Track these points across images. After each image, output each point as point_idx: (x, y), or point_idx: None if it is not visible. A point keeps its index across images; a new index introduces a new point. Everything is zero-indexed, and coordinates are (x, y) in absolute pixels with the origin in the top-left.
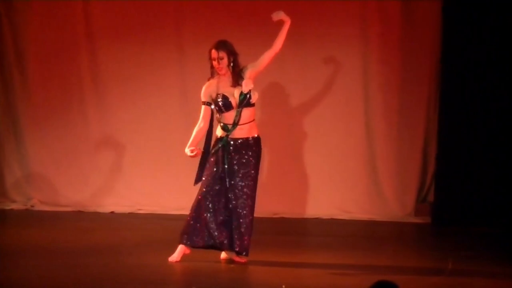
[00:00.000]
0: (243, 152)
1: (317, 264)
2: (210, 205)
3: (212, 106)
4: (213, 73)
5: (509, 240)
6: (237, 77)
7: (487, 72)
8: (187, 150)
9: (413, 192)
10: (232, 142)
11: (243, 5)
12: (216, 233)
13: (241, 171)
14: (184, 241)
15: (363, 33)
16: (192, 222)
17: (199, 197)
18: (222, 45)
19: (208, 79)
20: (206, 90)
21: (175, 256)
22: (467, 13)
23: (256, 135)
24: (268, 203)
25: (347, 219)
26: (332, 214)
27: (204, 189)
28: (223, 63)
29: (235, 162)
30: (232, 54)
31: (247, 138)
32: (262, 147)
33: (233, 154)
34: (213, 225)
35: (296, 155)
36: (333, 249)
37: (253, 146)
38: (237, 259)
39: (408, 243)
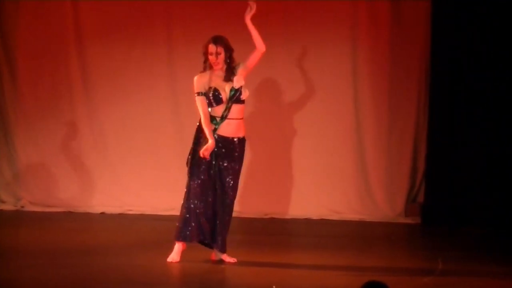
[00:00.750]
0: (229, 152)
1: (307, 264)
2: (200, 202)
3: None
4: (205, 67)
5: (498, 240)
6: (230, 72)
7: (477, 72)
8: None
9: (403, 192)
10: (219, 139)
11: (233, 5)
12: (206, 230)
13: (227, 170)
14: (181, 238)
15: (352, 33)
16: (184, 218)
17: (191, 194)
18: (219, 40)
19: (201, 72)
20: (199, 81)
21: (174, 257)
22: (456, 13)
23: (242, 136)
24: (259, 203)
25: (337, 219)
26: (322, 215)
27: (195, 186)
28: (220, 58)
29: (222, 160)
30: (229, 50)
31: (233, 138)
32: (251, 148)
33: (220, 151)
34: (203, 222)
35: (286, 156)
36: (324, 250)
37: (237, 147)
38: (227, 259)
39: (398, 243)
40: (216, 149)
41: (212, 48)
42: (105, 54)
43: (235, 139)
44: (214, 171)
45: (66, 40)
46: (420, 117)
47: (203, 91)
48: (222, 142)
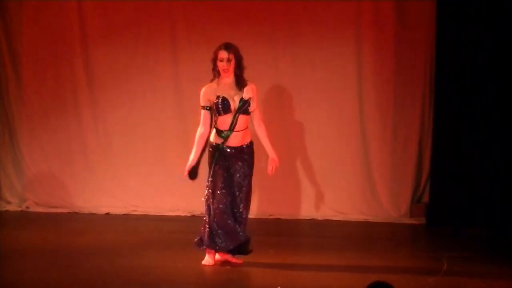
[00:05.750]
0: (239, 159)
1: (312, 265)
2: (229, 211)
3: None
4: (215, 75)
5: (503, 241)
6: (241, 82)
7: (482, 73)
8: (186, 169)
9: (407, 193)
10: (228, 150)
11: (237, 5)
12: (236, 237)
13: (241, 177)
14: (217, 247)
15: (357, 33)
16: (220, 230)
17: (221, 206)
18: (231, 47)
19: (211, 81)
20: (205, 94)
21: (209, 260)
22: (461, 13)
23: (249, 142)
24: (263, 204)
25: (342, 220)
26: (327, 215)
27: (222, 197)
28: (231, 65)
29: (233, 169)
30: (239, 58)
31: (242, 146)
32: (256, 149)
33: (231, 161)
34: (234, 230)
35: (290, 156)
36: (328, 250)
37: (246, 152)
38: (234, 260)
39: (402, 244)
40: (226, 161)
41: (223, 54)
42: (109, 55)
43: (244, 146)
44: (230, 182)
45: (70, 41)
46: (425, 118)
47: (208, 104)
48: (232, 151)
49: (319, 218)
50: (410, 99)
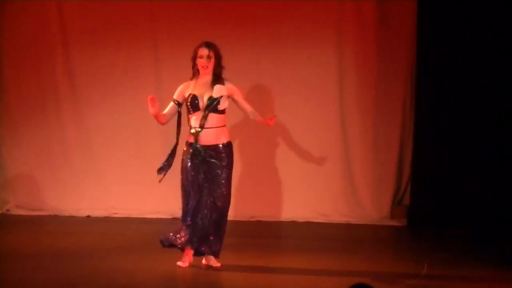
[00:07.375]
0: (214, 159)
1: (293, 267)
2: (195, 211)
3: (179, 109)
4: (194, 73)
5: (484, 242)
6: (219, 80)
7: (463, 74)
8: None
9: (389, 194)
10: (201, 150)
11: (218, 5)
12: (199, 238)
13: (215, 177)
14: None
15: (338, 33)
16: (182, 228)
17: (186, 203)
18: (212, 45)
19: (191, 79)
20: (181, 89)
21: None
22: (442, 13)
23: (225, 142)
24: (245, 206)
25: (323, 222)
26: (308, 217)
27: (188, 195)
28: (211, 63)
29: (207, 168)
30: (218, 57)
31: (216, 145)
32: (238, 151)
33: (204, 160)
34: (197, 231)
35: (272, 158)
36: (310, 252)
37: (223, 152)
38: (210, 262)
39: (384, 246)
40: (199, 161)
41: (204, 51)
42: (91, 57)
43: (219, 145)
44: (202, 181)
45: (51, 42)
46: (406, 120)
47: (179, 100)
48: (207, 150)
49: (301, 220)
50: (392, 100)
